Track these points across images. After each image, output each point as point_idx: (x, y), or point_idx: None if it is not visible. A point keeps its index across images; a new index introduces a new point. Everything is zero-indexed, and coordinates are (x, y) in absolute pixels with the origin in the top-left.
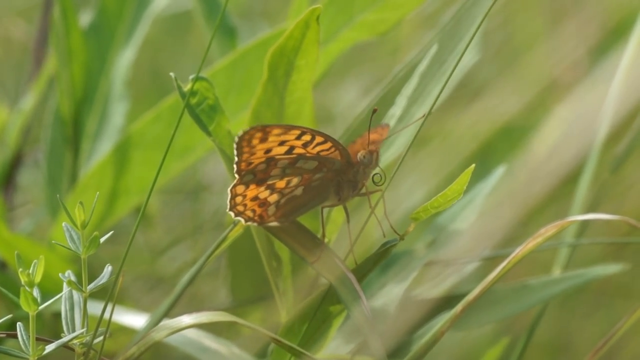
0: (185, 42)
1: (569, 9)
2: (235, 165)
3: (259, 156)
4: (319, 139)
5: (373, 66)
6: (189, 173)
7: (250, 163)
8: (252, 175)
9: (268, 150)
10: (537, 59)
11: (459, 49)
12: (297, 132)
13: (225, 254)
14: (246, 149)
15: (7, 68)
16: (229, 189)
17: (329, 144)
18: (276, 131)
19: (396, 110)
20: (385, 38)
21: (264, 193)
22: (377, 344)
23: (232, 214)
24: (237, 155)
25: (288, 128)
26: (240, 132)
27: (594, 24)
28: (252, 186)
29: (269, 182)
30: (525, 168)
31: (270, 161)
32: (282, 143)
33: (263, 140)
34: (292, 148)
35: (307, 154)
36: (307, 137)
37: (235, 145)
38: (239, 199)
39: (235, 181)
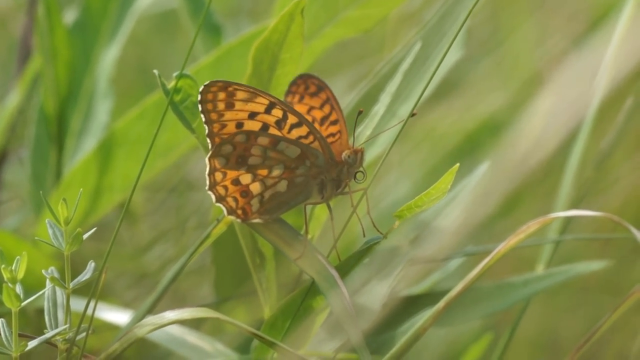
0: (172, 39)
1: (553, 2)
2: (208, 138)
3: (231, 129)
4: (292, 118)
5: (359, 62)
6: (174, 169)
7: (225, 125)
8: (231, 147)
9: (240, 124)
10: (521, 53)
11: (442, 45)
12: (265, 101)
13: (209, 250)
14: (213, 115)
15: None
16: (206, 158)
17: (305, 129)
18: (241, 94)
19: (380, 108)
20: (371, 34)
21: (245, 177)
22: (359, 340)
23: (212, 196)
24: (206, 122)
25: (254, 93)
26: (200, 88)
27: (578, 17)
28: (232, 162)
29: (250, 164)
30: (508, 163)
31: (250, 135)
32: (252, 116)
33: (229, 105)
34: (265, 125)
35: (288, 139)
36: (277, 112)
37: (199, 106)
38: (218, 176)
39: (212, 151)
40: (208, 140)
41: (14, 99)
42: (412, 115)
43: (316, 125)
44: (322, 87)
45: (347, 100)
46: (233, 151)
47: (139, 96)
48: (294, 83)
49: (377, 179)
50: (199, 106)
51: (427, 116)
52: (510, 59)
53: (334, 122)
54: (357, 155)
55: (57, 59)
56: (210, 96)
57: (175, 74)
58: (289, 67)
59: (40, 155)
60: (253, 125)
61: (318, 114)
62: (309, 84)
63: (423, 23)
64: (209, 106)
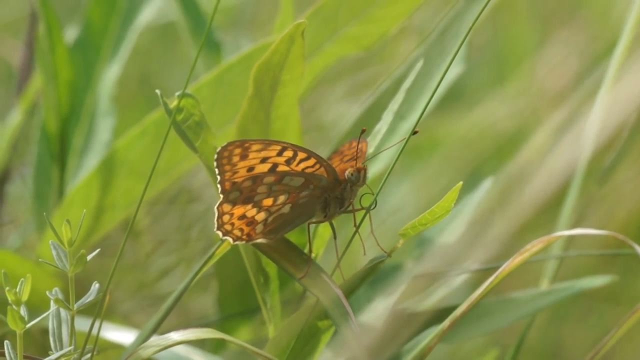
0: (174, 51)
1: (560, 17)
2: (219, 185)
3: (242, 175)
4: (301, 154)
5: (359, 73)
6: (177, 184)
7: (235, 182)
8: (239, 193)
9: (251, 169)
10: (527, 68)
11: (443, 60)
12: (278, 147)
13: (213, 268)
14: (227, 167)
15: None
16: (215, 208)
17: (312, 160)
18: (256, 147)
19: (382, 126)
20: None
21: (251, 211)
22: (365, 359)
23: (219, 233)
24: (219, 174)
25: (268, 143)
26: (218, 149)
27: (584, 33)
28: (238, 204)
29: (256, 200)
30: (513, 180)
31: (256, 179)
32: (264, 160)
33: (243, 157)
34: (275, 165)
35: (293, 172)
36: (288, 153)
37: (215, 163)
38: (226, 218)
39: (221, 200)
40: (219, 186)
41: (16, 117)
42: (414, 133)
43: (341, 164)
44: (361, 142)
45: (346, 114)
46: (240, 195)
47: (140, 109)
48: (342, 144)
49: (381, 194)
50: (215, 162)
51: (430, 129)
52: (514, 70)
53: (352, 159)
54: (360, 173)
55: (58, 77)
56: (226, 153)
57: (177, 94)
58: (290, 87)
59: (43, 173)
60: (263, 167)
61: (347, 158)
62: (352, 142)
63: (424, 37)
64: (224, 161)
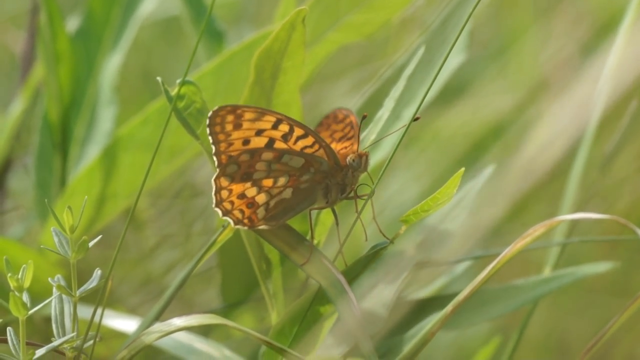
0: (176, 45)
1: (559, 5)
2: (214, 157)
3: (237, 147)
4: (298, 131)
5: (362, 65)
6: (178, 174)
7: (231, 156)
8: (236, 167)
9: (246, 141)
10: (527, 56)
11: (445, 49)
12: (272, 118)
13: (216, 255)
14: (221, 136)
15: (1, 72)
16: (212, 180)
17: (311, 139)
18: (249, 115)
19: (384, 113)
20: (374, 37)
21: (250, 190)
22: (368, 345)
23: (219, 211)
24: (213, 144)
25: (262, 113)
26: (209, 113)
27: (583, 20)
28: (237, 179)
29: (255, 178)
30: (514, 166)
31: (254, 153)
32: (259, 133)
33: (237, 126)
34: (272, 140)
35: (292, 150)
36: (284, 127)
37: (207, 130)
38: (224, 194)
39: (217, 172)
40: (214, 159)
41: (18, 107)
42: (416, 119)
43: (333, 143)
44: (347, 114)
45: (350, 104)
46: (238, 170)
47: (143, 102)
48: (325, 116)
49: (382, 184)
50: (207, 129)
51: (433, 120)
52: (515, 62)
53: (350, 138)
54: (362, 159)
55: (60, 66)
56: (218, 119)
57: (178, 81)
58: (291, 75)
59: (45, 163)
60: (259, 142)
61: (338, 135)
62: (337, 113)
63: (426, 26)
64: (217, 129)
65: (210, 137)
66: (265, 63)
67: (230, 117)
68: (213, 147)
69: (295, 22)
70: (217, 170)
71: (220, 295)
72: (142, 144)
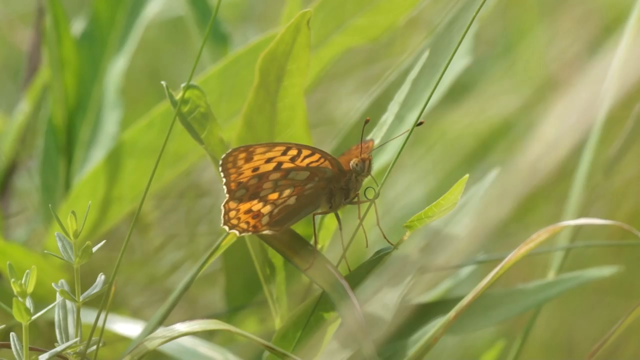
0: (182, 46)
1: (565, 4)
2: (225, 186)
3: (247, 175)
4: (305, 152)
5: (367, 67)
6: (182, 176)
7: (240, 182)
8: (245, 190)
9: (256, 169)
10: (533, 55)
11: (450, 52)
12: (282, 148)
13: (220, 259)
14: (232, 170)
15: (6, 75)
16: (222, 206)
17: (317, 156)
18: (260, 150)
19: (388, 117)
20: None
21: (257, 205)
22: (371, 349)
23: (226, 228)
24: (224, 177)
25: (272, 146)
26: (223, 155)
27: (589, 19)
28: (245, 200)
29: (262, 195)
30: (519, 167)
31: (262, 176)
32: (268, 160)
33: (248, 160)
34: (280, 164)
35: (298, 167)
36: (293, 152)
37: (220, 168)
38: (232, 214)
39: (227, 198)
40: (224, 187)
41: (23, 110)
42: (420, 124)
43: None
44: (368, 141)
45: (355, 107)
46: (246, 192)
47: (149, 104)
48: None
49: (387, 185)
50: (220, 168)
51: (439, 121)
52: (522, 61)
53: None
54: (365, 163)
55: (65, 69)
56: (231, 159)
57: (182, 85)
58: (296, 78)
59: (50, 166)
60: (268, 167)
61: (354, 154)
62: (360, 143)
63: (431, 28)
64: (229, 166)
65: (222, 174)
66: (270, 66)
67: (242, 155)
68: (224, 179)
69: (300, 25)
70: (227, 195)
71: (224, 299)
72: (146, 148)
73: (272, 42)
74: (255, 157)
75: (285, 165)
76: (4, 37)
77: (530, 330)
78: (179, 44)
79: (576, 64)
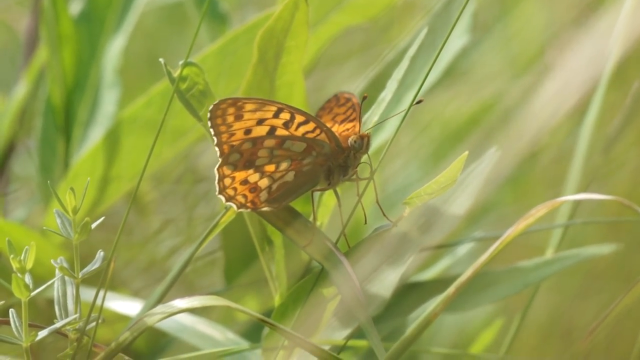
0: (181, 32)
1: None
2: (217, 148)
3: (239, 137)
4: (299, 117)
5: (366, 50)
6: (181, 158)
7: (233, 146)
8: (238, 155)
9: (248, 131)
10: (528, 35)
11: (447, 31)
12: (274, 108)
13: (218, 237)
14: (222, 128)
15: (4, 56)
16: (215, 169)
17: (312, 125)
18: (250, 106)
19: (387, 94)
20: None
21: (253, 176)
22: (370, 327)
23: (222, 198)
24: (215, 135)
25: (262, 103)
26: (210, 107)
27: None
28: (239, 167)
29: (258, 164)
30: (514, 147)
31: (256, 141)
32: (260, 122)
33: (238, 117)
34: (273, 128)
35: (293, 136)
36: (285, 115)
37: (209, 123)
38: (227, 181)
39: (220, 162)
40: (216, 149)
41: (21, 90)
42: (419, 102)
43: (335, 125)
44: (349, 97)
45: (353, 87)
46: (240, 158)
47: (147, 87)
48: (327, 100)
49: (385, 164)
50: (209, 122)
51: (435, 102)
52: (517, 42)
53: (352, 120)
54: (364, 140)
55: (63, 49)
56: (219, 112)
57: (180, 62)
58: (294, 55)
59: (48, 146)
60: (261, 130)
61: (340, 117)
62: (339, 97)
63: (429, 8)
64: (218, 121)
65: (211, 129)
66: (269, 43)
67: (231, 110)
68: (215, 139)
69: (298, 1)
70: (220, 159)
71: (222, 278)
72: (145, 126)
73: (270, 19)
74: (246, 115)
75: (280, 132)
76: (2, 19)
77: (529, 309)
78: (175, 29)
79: (571, 42)
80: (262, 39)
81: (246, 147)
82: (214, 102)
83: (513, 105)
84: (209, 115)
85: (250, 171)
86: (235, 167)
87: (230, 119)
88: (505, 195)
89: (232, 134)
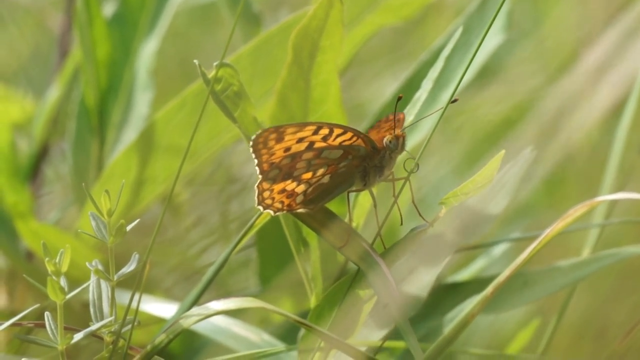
0: (213, 33)
1: None
2: (257, 167)
3: (279, 155)
4: (337, 130)
5: (400, 50)
6: (215, 161)
7: (272, 163)
8: (278, 170)
9: (287, 149)
10: (562, 35)
11: (483, 30)
12: (313, 127)
13: (254, 240)
14: (264, 151)
15: (38, 58)
16: (255, 186)
17: (349, 134)
18: (290, 130)
19: (422, 94)
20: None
21: (291, 185)
22: (407, 327)
23: (260, 208)
24: (256, 158)
25: (302, 125)
26: (253, 137)
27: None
28: (278, 181)
29: (296, 175)
30: (550, 147)
31: (295, 156)
32: (300, 140)
33: (279, 140)
34: (312, 143)
35: (331, 146)
36: (324, 131)
37: (251, 149)
38: (266, 194)
39: (260, 179)
40: (256, 168)
41: (55, 92)
42: (454, 101)
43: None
44: (398, 114)
45: (386, 86)
46: (279, 173)
47: (180, 89)
48: (378, 120)
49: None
50: (251, 149)
51: (469, 102)
52: (551, 41)
53: (390, 130)
54: (399, 140)
55: (96, 51)
56: (261, 139)
57: (215, 63)
58: (329, 54)
59: (82, 148)
60: (300, 147)
61: (384, 129)
62: (388, 116)
63: (463, 8)
64: (260, 146)
65: (253, 154)
66: (303, 42)
67: (273, 136)
68: (255, 161)
69: (333, 0)
70: (260, 177)
71: (257, 279)
72: (178, 128)
73: (304, 18)
74: (287, 138)
75: (318, 145)
76: (36, 21)
77: (565, 310)
78: (208, 31)
79: (606, 40)
80: (297, 38)
81: (285, 162)
82: (256, 133)
83: (548, 105)
84: (251, 143)
85: (289, 181)
86: (274, 181)
87: (271, 143)
88: (540, 195)
89: (272, 154)
